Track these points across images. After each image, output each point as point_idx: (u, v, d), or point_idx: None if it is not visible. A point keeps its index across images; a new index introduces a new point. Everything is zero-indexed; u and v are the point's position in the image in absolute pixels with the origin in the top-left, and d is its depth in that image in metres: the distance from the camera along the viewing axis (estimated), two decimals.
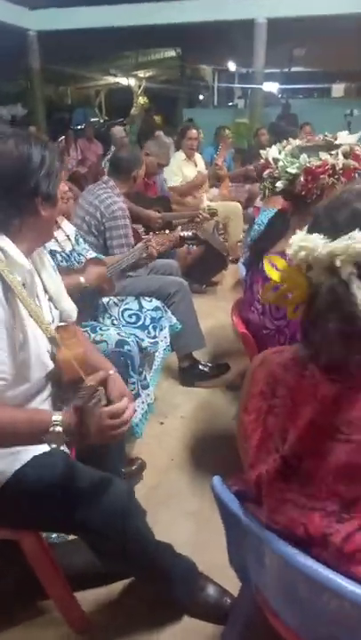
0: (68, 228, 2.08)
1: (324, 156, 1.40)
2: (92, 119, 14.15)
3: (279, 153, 1.50)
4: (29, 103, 11.08)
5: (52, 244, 1.88)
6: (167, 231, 2.35)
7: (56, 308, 1.36)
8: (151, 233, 2.30)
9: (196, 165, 4.59)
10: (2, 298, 1.07)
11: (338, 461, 0.76)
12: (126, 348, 1.79)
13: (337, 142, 1.50)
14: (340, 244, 0.72)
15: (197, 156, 4.68)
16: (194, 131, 4.47)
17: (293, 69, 12.68)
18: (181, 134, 4.50)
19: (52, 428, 1.02)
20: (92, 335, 1.82)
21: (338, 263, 0.71)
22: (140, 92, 17.23)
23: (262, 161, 1.52)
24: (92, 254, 2.12)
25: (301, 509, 0.80)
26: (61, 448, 1.26)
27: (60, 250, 1.93)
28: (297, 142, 1.58)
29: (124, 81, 17.21)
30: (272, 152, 1.52)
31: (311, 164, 1.40)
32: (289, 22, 8.04)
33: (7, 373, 1.09)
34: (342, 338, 0.76)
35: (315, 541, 0.78)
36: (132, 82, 17.20)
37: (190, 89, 16.80)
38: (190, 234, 2.66)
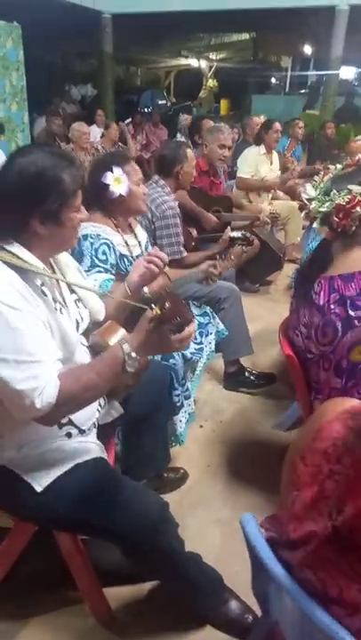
0: (141, 234, 2.11)
1: (354, 188, 1.41)
2: (160, 101, 14.12)
3: (315, 190, 1.52)
4: (99, 84, 11.20)
5: (122, 249, 1.90)
6: (233, 257, 2.32)
7: (85, 307, 1.40)
8: (218, 257, 2.28)
9: (271, 163, 4.51)
10: (26, 294, 1.11)
11: None
12: (172, 361, 1.82)
13: None
14: None
15: (275, 155, 4.59)
16: (278, 124, 4.41)
17: None
18: (266, 127, 4.41)
19: (127, 357, 1.12)
20: None
21: None
22: (211, 75, 17.01)
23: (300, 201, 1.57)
24: None
25: (342, 573, 0.79)
26: (102, 456, 1.33)
27: (128, 254, 1.94)
28: (338, 167, 1.59)
29: (194, 63, 17.02)
30: (309, 191, 1.53)
31: (341, 200, 1.41)
32: None
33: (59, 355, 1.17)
34: None
35: (344, 604, 0.77)
36: (202, 64, 16.99)
37: (262, 73, 16.37)
38: (240, 234, 2.60)
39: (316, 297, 1.52)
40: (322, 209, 1.47)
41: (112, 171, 1.81)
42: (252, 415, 2.53)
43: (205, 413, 2.49)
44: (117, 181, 1.82)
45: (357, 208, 1.42)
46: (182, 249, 2.54)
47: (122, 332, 1.36)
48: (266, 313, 3.44)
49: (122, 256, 1.88)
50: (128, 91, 14.28)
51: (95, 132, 6.60)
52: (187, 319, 1.10)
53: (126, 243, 1.96)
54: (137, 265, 1.56)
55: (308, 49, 14.62)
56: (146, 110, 11.06)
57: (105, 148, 5.54)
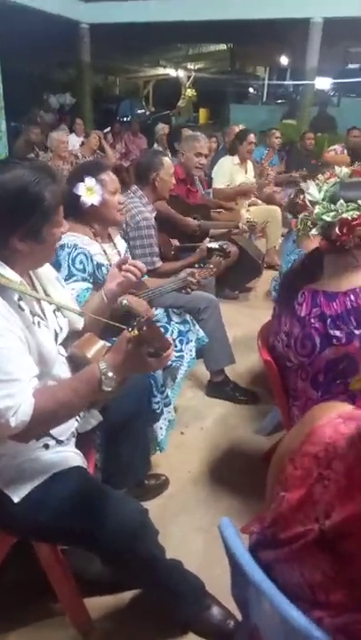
0: (120, 243, 2.11)
1: None
2: (139, 111, 14.18)
3: (319, 192, 1.42)
4: (78, 93, 11.21)
5: (99, 258, 1.90)
6: (211, 265, 2.34)
7: (64, 316, 1.40)
8: (196, 266, 2.29)
9: (246, 172, 4.56)
10: (3, 311, 1.11)
11: None
12: None
13: None
14: None
15: (249, 164, 4.65)
16: (252, 135, 4.46)
17: (349, 67, 12.42)
18: (240, 138, 4.46)
19: (103, 376, 1.11)
20: None
21: None
22: (189, 85, 17.19)
23: (300, 200, 1.50)
24: None
25: (328, 578, 0.78)
26: (81, 465, 1.32)
27: (106, 263, 1.93)
28: (345, 170, 1.49)
29: (173, 72, 17.17)
30: (312, 191, 1.43)
31: (348, 215, 1.34)
32: (345, 21, 7.83)
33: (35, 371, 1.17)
34: None
35: (329, 607, 0.78)
36: (181, 73, 17.16)
37: (240, 83, 16.57)
38: (217, 246, 2.63)
39: (299, 308, 1.51)
40: (325, 217, 1.39)
41: (83, 181, 1.83)
42: (233, 421, 2.54)
43: (186, 420, 2.49)
44: (90, 191, 1.83)
45: None
46: (156, 259, 2.55)
47: (100, 344, 1.36)
48: (245, 319, 3.47)
49: (99, 265, 1.88)
50: (107, 100, 14.29)
51: (74, 140, 6.60)
52: (164, 345, 1.11)
53: (105, 251, 1.96)
54: (114, 273, 1.57)
55: (284, 60, 14.89)
56: (125, 119, 11.11)
57: (85, 156, 5.54)
